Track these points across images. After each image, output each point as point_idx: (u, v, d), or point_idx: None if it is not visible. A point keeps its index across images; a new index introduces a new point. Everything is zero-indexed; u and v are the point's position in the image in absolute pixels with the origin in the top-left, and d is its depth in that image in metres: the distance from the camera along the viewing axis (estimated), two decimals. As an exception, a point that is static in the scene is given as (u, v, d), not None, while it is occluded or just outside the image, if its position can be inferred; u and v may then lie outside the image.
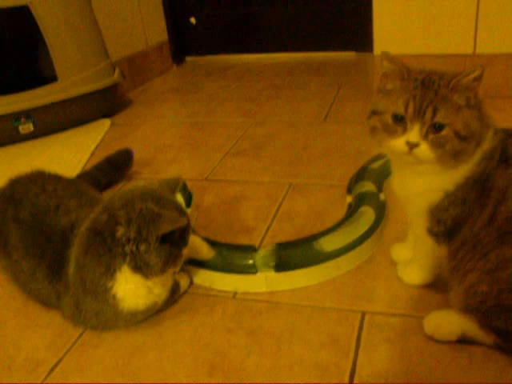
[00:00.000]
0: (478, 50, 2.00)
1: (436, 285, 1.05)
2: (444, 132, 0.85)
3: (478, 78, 0.86)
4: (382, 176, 1.36)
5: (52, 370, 0.96)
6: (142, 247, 0.95)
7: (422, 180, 0.93)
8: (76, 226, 1.05)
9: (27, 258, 1.07)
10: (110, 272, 0.97)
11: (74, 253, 1.01)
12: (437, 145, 0.86)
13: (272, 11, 2.95)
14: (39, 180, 1.21)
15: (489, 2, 1.93)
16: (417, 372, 0.88)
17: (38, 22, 2.01)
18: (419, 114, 0.85)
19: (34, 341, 1.04)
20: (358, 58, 2.78)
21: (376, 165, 1.40)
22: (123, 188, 1.04)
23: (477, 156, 0.89)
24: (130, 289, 0.99)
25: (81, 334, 1.04)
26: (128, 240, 0.95)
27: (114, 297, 0.99)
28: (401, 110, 0.87)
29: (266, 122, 2.00)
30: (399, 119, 0.87)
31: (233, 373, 0.91)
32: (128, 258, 0.96)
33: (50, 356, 1.00)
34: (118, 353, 0.99)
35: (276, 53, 2.99)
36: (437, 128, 0.85)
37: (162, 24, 2.97)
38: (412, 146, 0.86)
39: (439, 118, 0.85)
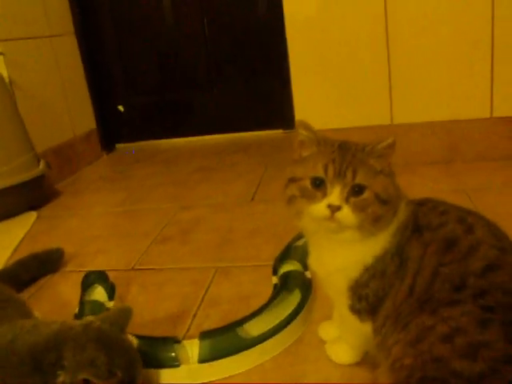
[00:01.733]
0: (395, 121, 2.07)
1: (367, 362, 1.02)
2: (365, 195, 0.84)
3: (392, 146, 0.87)
4: (306, 254, 1.34)
5: None
6: None
7: (340, 252, 0.91)
8: None
9: None
10: None
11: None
12: (359, 208, 0.84)
13: (198, 95, 3.00)
14: None
15: (400, 74, 2.02)
16: None
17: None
18: (339, 175, 0.84)
19: None
20: (285, 136, 2.83)
21: (301, 242, 1.39)
22: (76, 321, 1.01)
23: (393, 226, 0.88)
24: None
25: None
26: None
27: None
28: (320, 173, 0.85)
29: (194, 206, 1.99)
30: (318, 184, 0.86)
31: None
32: None
33: None
34: None
35: (205, 135, 3.03)
36: (357, 191, 0.84)
37: (90, 112, 2.97)
38: (334, 210, 0.84)
39: (360, 180, 0.84)
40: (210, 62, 2.95)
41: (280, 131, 2.92)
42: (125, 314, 1.03)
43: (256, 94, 2.94)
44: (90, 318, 1.02)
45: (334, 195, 0.84)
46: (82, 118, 2.90)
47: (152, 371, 1.05)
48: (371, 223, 0.86)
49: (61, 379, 0.90)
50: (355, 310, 0.93)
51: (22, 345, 0.95)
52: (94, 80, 2.99)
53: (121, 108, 3.07)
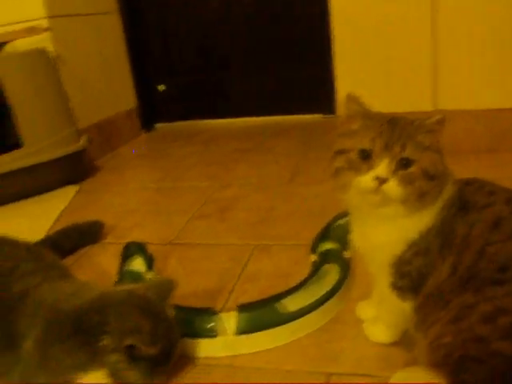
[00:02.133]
0: (439, 107, 2.03)
1: (405, 342, 1.00)
2: (412, 169, 0.83)
3: (441, 122, 0.85)
4: (346, 234, 1.33)
5: None
6: (122, 365, 0.91)
7: (383, 228, 0.89)
8: (29, 293, 1.00)
9: None
10: (84, 371, 0.92)
11: (37, 330, 0.95)
12: (405, 182, 0.83)
13: (238, 77, 2.99)
14: None
15: (446, 59, 1.98)
16: None
17: (4, 89, 2.00)
18: (387, 148, 0.83)
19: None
20: (324, 121, 2.81)
21: (341, 222, 1.38)
22: (120, 286, 1.03)
23: (438, 204, 0.87)
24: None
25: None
26: (112, 350, 0.90)
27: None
28: (368, 146, 0.85)
29: (232, 185, 1.99)
30: (366, 156, 0.85)
31: None
32: (107, 370, 0.91)
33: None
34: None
35: (243, 117, 3.02)
36: (405, 164, 0.83)
37: (131, 91, 2.99)
38: (380, 182, 0.83)
39: (408, 153, 0.83)
40: (251, 44, 2.94)
41: (320, 116, 2.89)
42: (168, 285, 1.04)
43: (296, 77, 2.91)
44: (133, 285, 1.02)
45: (381, 167, 0.83)
46: (123, 96, 2.92)
47: (189, 341, 1.06)
48: (416, 198, 0.85)
49: (104, 343, 0.91)
50: (397, 288, 0.92)
51: (66, 305, 0.97)
52: (136, 59, 3.01)
53: (161, 88, 3.08)
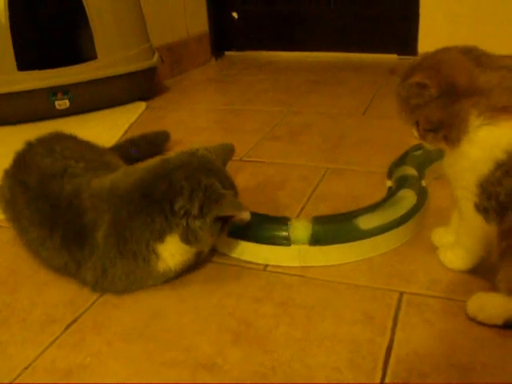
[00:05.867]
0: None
1: (479, 270, 0.98)
2: None
3: None
4: (423, 163, 1.30)
5: (68, 326, 0.92)
6: (198, 223, 0.92)
7: (469, 148, 0.87)
8: (81, 191, 1.01)
9: (35, 225, 1.04)
10: (161, 236, 0.94)
11: (108, 216, 0.96)
12: None
13: (314, 10, 2.91)
14: (49, 141, 1.17)
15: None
16: (458, 354, 0.81)
17: (83, 0, 1.99)
18: None
19: (52, 298, 1.00)
20: (399, 61, 2.72)
21: (418, 152, 1.34)
22: (177, 152, 1.00)
23: None
24: (176, 249, 0.96)
25: (101, 295, 1.00)
26: (185, 213, 0.92)
27: (158, 257, 0.96)
28: None
29: (303, 112, 1.96)
30: None
31: (258, 342, 0.86)
32: (180, 231, 0.93)
33: (68, 313, 0.95)
34: (137, 315, 0.94)
35: (316, 51, 2.95)
36: None
37: (204, 15, 2.94)
38: None
39: None
40: (331, -25, 2.85)
41: (394, 56, 2.80)
42: (227, 149, 1.05)
43: (375, 14, 2.81)
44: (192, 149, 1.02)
45: None
46: (196, 20, 2.89)
47: (262, 247, 1.06)
48: None
49: (179, 204, 0.92)
50: (482, 209, 0.88)
51: (127, 183, 0.98)
52: (212, -18, 2.96)
53: (235, 15, 3.03)
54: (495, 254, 0.89)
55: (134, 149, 1.55)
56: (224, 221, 0.96)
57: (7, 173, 1.14)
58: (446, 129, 0.87)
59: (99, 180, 1.03)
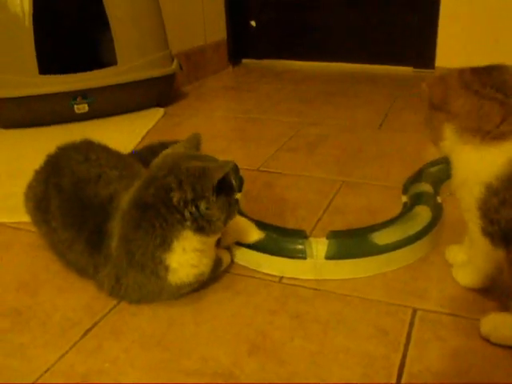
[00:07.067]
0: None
1: (493, 288, 0.99)
2: None
3: None
4: (439, 180, 1.31)
5: (87, 331, 0.94)
6: (202, 205, 0.92)
7: (460, 165, 0.91)
8: (115, 197, 1.03)
9: (65, 227, 1.05)
10: (167, 243, 0.94)
11: (117, 228, 0.98)
12: None
13: (332, 20, 2.92)
14: (84, 148, 1.18)
15: None
16: (471, 373, 0.82)
17: (105, 6, 2.02)
18: None
19: (71, 302, 1.02)
20: (414, 75, 2.73)
21: (434, 169, 1.35)
22: (153, 162, 1.02)
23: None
24: (185, 259, 0.96)
25: (118, 301, 1.01)
26: (186, 203, 0.92)
27: (167, 269, 0.96)
28: None
29: (320, 124, 1.97)
30: None
31: (274, 354, 0.87)
32: (189, 222, 0.93)
33: (87, 318, 0.97)
34: (155, 323, 0.96)
35: (332, 62, 2.96)
36: None
37: (222, 23, 2.97)
38: None
39: None
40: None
41: (410, 69, 2.81)
42: (194, 137, 1.07)
43: (391, 26, 2.82)
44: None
45: None
46: (215, 28, 2.91)
47: (278, 260, 1.07)
48: None
49: (176, 198, 0.92)
50: (487, 233, 0.89)
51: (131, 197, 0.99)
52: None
53: (253, 23, 3.06)
54: (506, 277, 0.90)
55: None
56: (225, 192, 0.96)
57: (39, 174, 1.16)
58: (431, 129, 0.93)
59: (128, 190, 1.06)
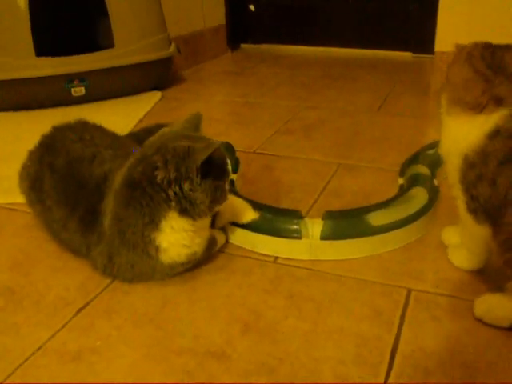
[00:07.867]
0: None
1: (487, 270, 0.98)
2: None
3: None
4: (436, 162, 1.31)
5: (80, 310, 0.94)
6: (186, 185, 0.91)
7: (446, 135, 0.92)
8: (109, 177, 1.02)
9: (59, 206, 1.05)
10: (155, 222, 0.93)
11: (110, 207, 0.97)
12: None
13: (332, 5, 2.91)
14: (79, 128, 1.17)
15: None
16: (464, 353, 0.82)
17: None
18: None
19: (65, 281, 1.01)
20: (414, 60, 2.71)
21: (431, 151, 1.34)
22: (147, 141, 1.01)
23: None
24: (175, 238, 0.95)
25: (112, 280, 1.01)
26: (169, 182, 0.91)
27: (157, 248, 0.95)
28: None
29: (318, 108, 1.96)
30: None
31: (267, 333, 0.87)
32: (173, 203, 0.92)
33: (80, 297, 0.97)
34: (148, 302, 0.95)
35: (332, 47, 2.95)
36: None
37: (221, 8, 2.95)
38: None
39: None
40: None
41: (409, 54, 2.80)
42: (195, 116, 1.05)
43: (391, 11, 2.81)
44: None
45: None
46: (214, 12, 2.89)
47: (273, 240, 1.07)
48: None
49: (160, 176, 0.91)
50: (471, 210, 0.89)
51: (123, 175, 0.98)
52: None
53: (252, 7, 3.04)
54: (496, 258, 0.89)
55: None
56: (214, 176, 0.94)
57: (33, 154, 1.16)
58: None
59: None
